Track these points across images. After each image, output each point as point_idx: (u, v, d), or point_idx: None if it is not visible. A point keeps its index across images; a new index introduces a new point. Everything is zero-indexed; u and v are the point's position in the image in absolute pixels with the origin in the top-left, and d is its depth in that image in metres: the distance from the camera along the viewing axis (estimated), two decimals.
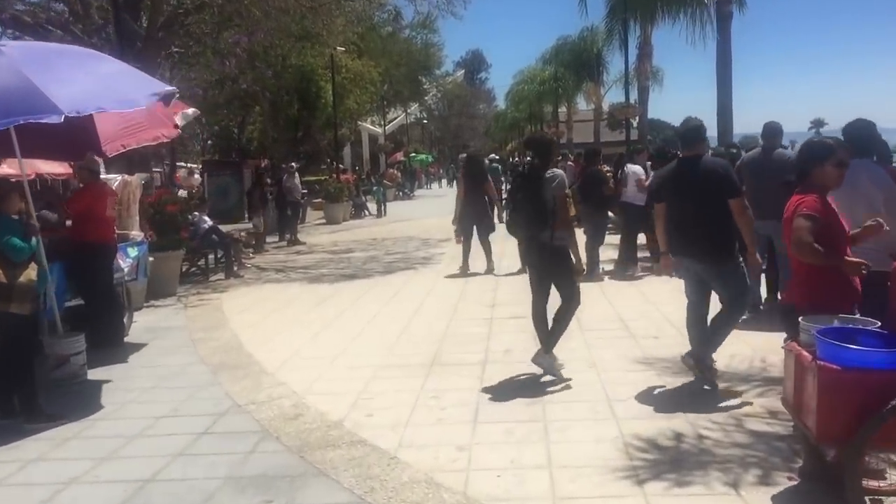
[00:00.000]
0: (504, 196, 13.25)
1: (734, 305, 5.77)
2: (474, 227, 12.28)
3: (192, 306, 10.53)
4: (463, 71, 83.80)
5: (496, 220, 12.17)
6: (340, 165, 47.31)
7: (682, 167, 5.88)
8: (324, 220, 25.76)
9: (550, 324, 6.37)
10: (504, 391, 5.91)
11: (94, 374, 6.89)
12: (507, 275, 11.88)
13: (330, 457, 4.71)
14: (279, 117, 25.69)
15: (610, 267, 11.58)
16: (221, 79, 23.55)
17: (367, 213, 27.73)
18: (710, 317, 5.96)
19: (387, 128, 60.69)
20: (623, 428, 4.96)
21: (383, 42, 38.90)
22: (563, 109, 43.47)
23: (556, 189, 6.10)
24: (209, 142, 39.02)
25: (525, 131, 59.52)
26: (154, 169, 44.53)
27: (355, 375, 6.52)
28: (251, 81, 23.93)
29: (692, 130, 5.94)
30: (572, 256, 6.27)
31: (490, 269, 12.10)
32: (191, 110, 9.08)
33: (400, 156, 60.01)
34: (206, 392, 6.29)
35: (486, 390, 5.95)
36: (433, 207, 28.19)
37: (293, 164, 19.56)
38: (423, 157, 66.55)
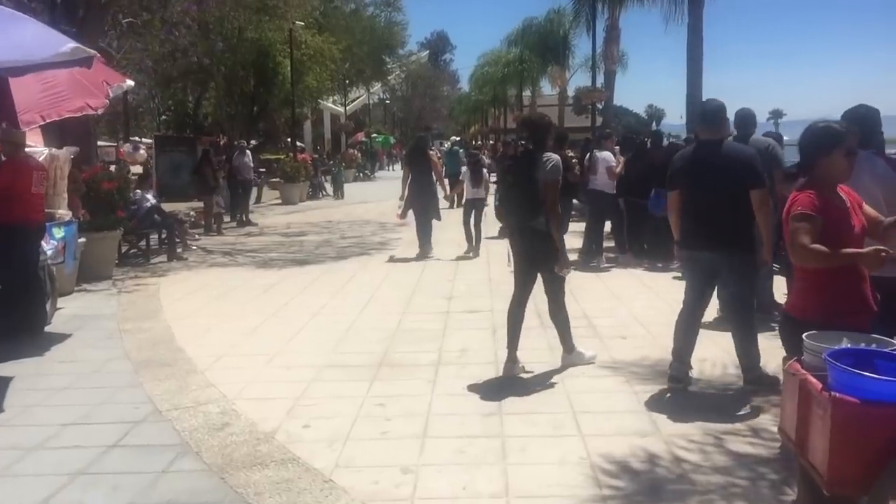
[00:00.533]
0: (465, 180, 12.67)
1: (739, 303, 5.28)
2: (421, 210, 12.07)
3: (126, 292, 9.77)
4: (427, 52, 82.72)
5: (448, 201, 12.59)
6: (300, 144, 46.36)
7: (701, 152, 5.31)
8: (280, 201, 24.94)
9: (519, 328, 6.02)
10: (458, 399, 5.32)
11: (1, 369, 6.16)
12: (457, 259, 11.30)
13: (255, 479, 4.08)
14: (234, 93, 24.70)
15: (573, 257, 11.06)
16: (173, 51, 22.60)
17: (323, 193, 26.91)
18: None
19: (348, 108, 59.69)
20: (590, 446, 4.40)
21: (346, 19, 37.95)
22: (527, 94, 42.90)
23: (549, 173, 5.58)
24: (163, 117, 37.77)
25: (488, 114, 58.99)
26: (140, 146, 43.16)
27: (294, 377, 5.88)
28: (203, 54, 22.97)
29: (713, 112, 5.38)
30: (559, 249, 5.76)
31: (426, 253, 12.01)
32: (127, 83, 8.35)
33: (361, 136, 59.04)
34: (126, 394, 5.60)
35: (438, 397, 5.35)
36: (393, 190, 27.13)
37: (244, 141, 18.67)
38: (385, 138, 65.52)
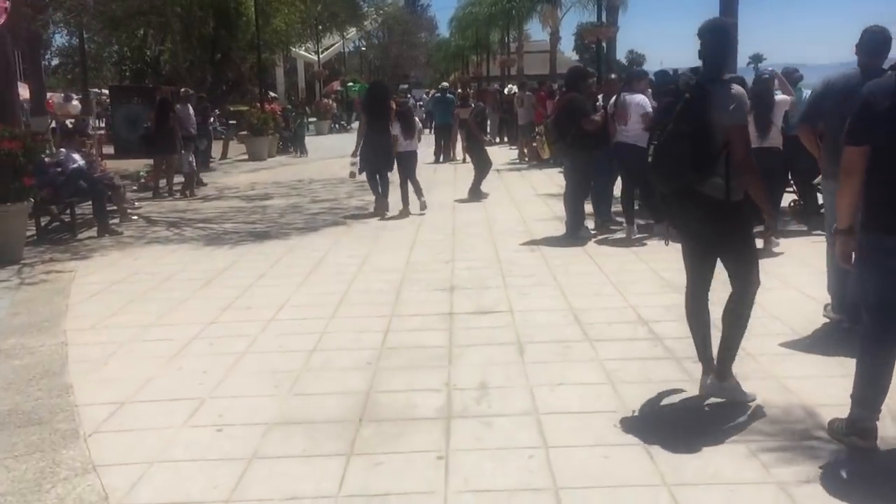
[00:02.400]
0: (397, 132, 11.05)
1: None
2: (380, 164, 11.03)
3: (30, 283, 7.58)
4: None
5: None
6: (271, 94, 43.59)
7: None
8: (246, 156, 22.54)
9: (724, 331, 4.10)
10: (479, 477, 3.24)
11: None
12: (451, 229, 9.16)
13: None
14: (192, 37, 22.07)
15: (590, 225, 9.04)
16: None
17: (295, 148, 24.27)
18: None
19: (322, 56, 56.63)
20: None
21: None
22: (513, 40, 40.21)
23: (734, 115, 3.79)
24: (124, 67, 34.85)
25: (469, 60, 56.16)
26: (73, 96, 40.20)
27: (225, 449, 3.76)
28: None
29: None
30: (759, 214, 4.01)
31: (384, 208, 11.02)
32: None
33: (336, 85, 56.18)
34: None
35: (452, 490, 3.27)
36: None
37: (188, 89, 16.13)
38: (362, 86, 62.55)
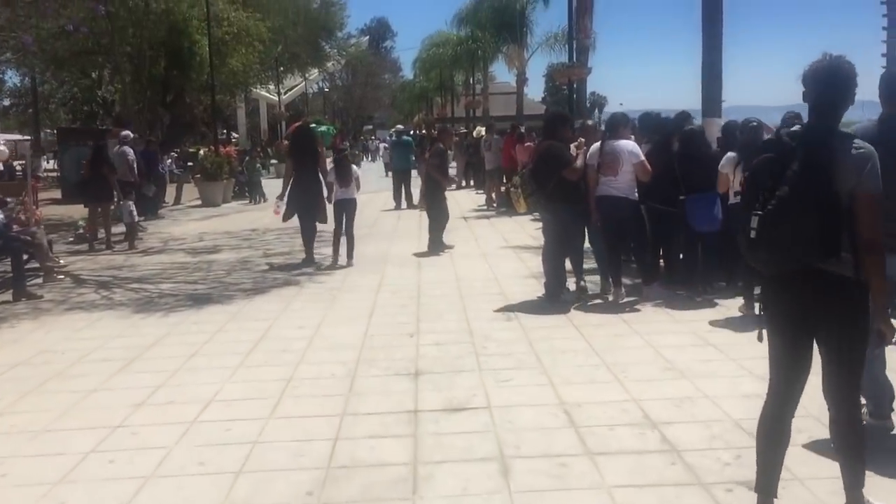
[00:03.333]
0: (332, 179, 10.63)
1: None
2: (306, 212, 10.68)
3: None
4: (367, 38, 78.97)
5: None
6: (234, 136, 42.25)
7: None
8: (200, 202, 21.38)
9: None
10: None
11: None
12: (415, 287, 8.09)
13: None
14: (142, 77, 20.96)
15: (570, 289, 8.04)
16: (62, 26, 18.81)
17: (251, 195, 22.46)
18: None
19: (285, 96, 55.69)
20: None
21: (278, 1, 34.34)
22: (477, 82, 39.58)
23: (867, 181, 2.90)
24: (75, 108, 33.62)
25: (433, 102, 55.68)
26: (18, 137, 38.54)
27: None
28: (100, 32, 19.24)
29: None
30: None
31: (310, 261, 10.70)
32: None
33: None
34: None
35: None
36: None
37: (127, 132, 14.97)
38: (326, 128, 61.63)
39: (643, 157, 7.32)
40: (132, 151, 14.63)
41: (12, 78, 35.11)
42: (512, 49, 28.92)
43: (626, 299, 7.61)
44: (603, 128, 8.69)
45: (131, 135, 15.03)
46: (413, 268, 10.20)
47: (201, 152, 25.33)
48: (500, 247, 11.86)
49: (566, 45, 26.93)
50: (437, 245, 11.53)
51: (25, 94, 42.27)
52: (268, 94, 46.52)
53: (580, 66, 14.90)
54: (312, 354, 6.26)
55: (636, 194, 7.46)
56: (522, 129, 18.14)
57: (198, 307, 8.23)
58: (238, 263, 11.13)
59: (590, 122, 8.31)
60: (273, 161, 34.39)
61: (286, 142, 41.06)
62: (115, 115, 26.39)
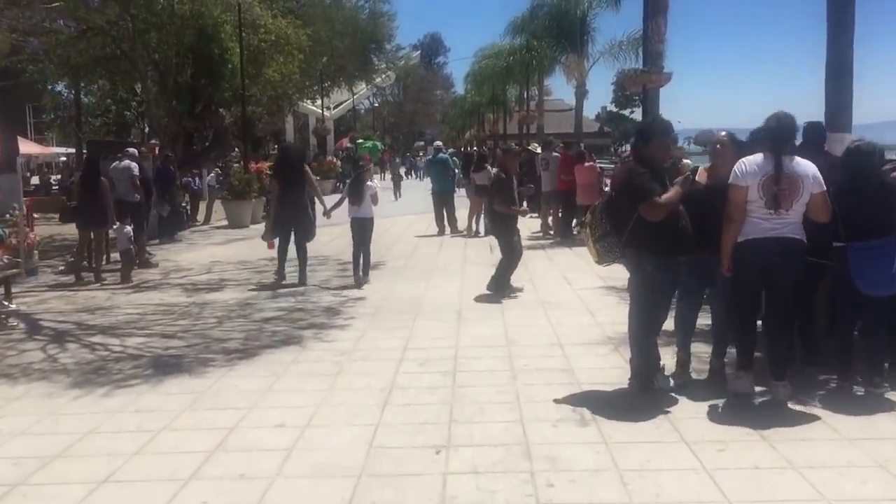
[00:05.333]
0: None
1: None
2: (292, 232, 10.50)
3: None
4: (418, 52, 77.47)
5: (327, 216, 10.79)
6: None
7: None
8: (226, 223, 19.50)
9: None
10: None
11: None
12: (436, 343, 5.83)
13: None
14: (167, 85, 19.22)
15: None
16: (84, 30, 17.18)
17: None
18: None
19: (335, 111, 54.16)
20: None
21: (325, 11, 32.67)
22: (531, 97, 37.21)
23: None
24: (108, 119, 32.30)
25: (485, 118, 53.49)
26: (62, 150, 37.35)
27: None
28: (122, 37, 17.53)
29: None
30: None
31: (302, 281, 10.37)
32: None
33: (346, 142, 53.63)
34: None
35: None
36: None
37: (134, 147, 13.18)
38: (374, 144, 59.97)
39: (823, 187, 4.94)
40: (137, 167, 12.79)
41: (55, 88, 34.07)
42: (571, 58, 26.52)
43: (758, 399, 5.24)
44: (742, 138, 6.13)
45: (135, 147, 13.20)
46: (451, 321, 7.97)
47: (221, 167, 23.60)
48: (562, 291, 9.58)
49: (632, 53, 24.80)
50: (500, 287, 9.27)
51: (70, 107, 41.48)
52: (316, 109, 45.00)
53: (658, 71, 12.47)
54: (282, 488, 4.05)
55: (803, 232, 5.08)
56: (583, 147, 15.84)
57: (156, 380, 6.10)
58: (237, 307, 9.01)
59: (723, 134, 5.84)
60: (316, 177, 32.71)
61: (330, 157, 39.39)
62: (146, 128, 24.82)
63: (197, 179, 22.22)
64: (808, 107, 10.18)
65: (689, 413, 5.01)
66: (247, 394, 5.66)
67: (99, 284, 10.86)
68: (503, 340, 7.07)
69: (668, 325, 5.68)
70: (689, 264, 5.41)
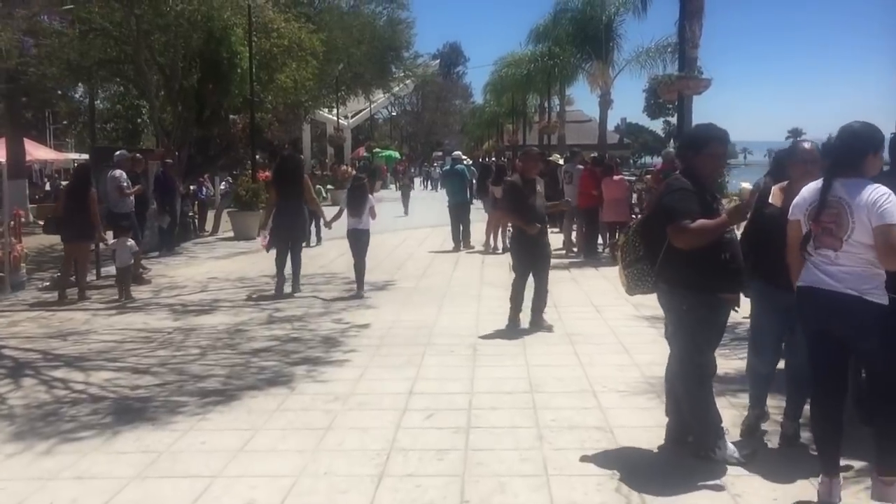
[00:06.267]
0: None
1: None
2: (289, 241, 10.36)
3: None
4: (437, 61, 76.69)
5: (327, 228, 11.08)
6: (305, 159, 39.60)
7: None
8: (232, 234, 18.60)
9: None
10: None
11: None
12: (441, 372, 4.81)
13: None
14: (172, 90, 18.40)
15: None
16: (85, 30, 16.41)
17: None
18: None
19: (352, 120, 53.43)
20: None
21: (342, 17, 31.91)
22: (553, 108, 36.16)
23: None
24: (110, 125, 31.60)
25: (504, 128, 52.51)
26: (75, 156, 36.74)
27: None
28: (122, 38, 16.70)
29: None
30: None
31: (296, 289, 10.29)
32: None
33: (363, 151, 52.87)
34: None
35: None
36: (387, 218, 21.06)
37: (123, 151, 12.31)
38: (391, 153, 59.18)
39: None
40: (125, 175, 11.89)
41: (70, 92, 33.51)
42: (596, 66, 25.45)
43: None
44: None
45: (127, 154, 12.37)
46: (465, 356, 6.95)
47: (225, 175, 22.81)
48: (590, 320, 8.52)
49: (660, 61, 23.74)
50: (533, 322, 8.12)
51: (84, 112, 41.01)
52: (333, 117, 44.30)
53: (696, 77, 11.42)
54: None
55: (880, 287, 3.94)
56: (616, 158, 14.75)
57: (111, 433, 5.10)
58: (226, 335, 8.03)
59: (807, 145, 4.70)
60: (329, 187, 31.74)
61: (344, 167, 38.60)
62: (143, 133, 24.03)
63: (205, 188, 21.41)
64: (871, 117, 9.12)
65: (763, 499, 3.95)
66: (214, 455, 4.65)
67: (83, 302, 9.94)
68: (526, 385, 6.03)
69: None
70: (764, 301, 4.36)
